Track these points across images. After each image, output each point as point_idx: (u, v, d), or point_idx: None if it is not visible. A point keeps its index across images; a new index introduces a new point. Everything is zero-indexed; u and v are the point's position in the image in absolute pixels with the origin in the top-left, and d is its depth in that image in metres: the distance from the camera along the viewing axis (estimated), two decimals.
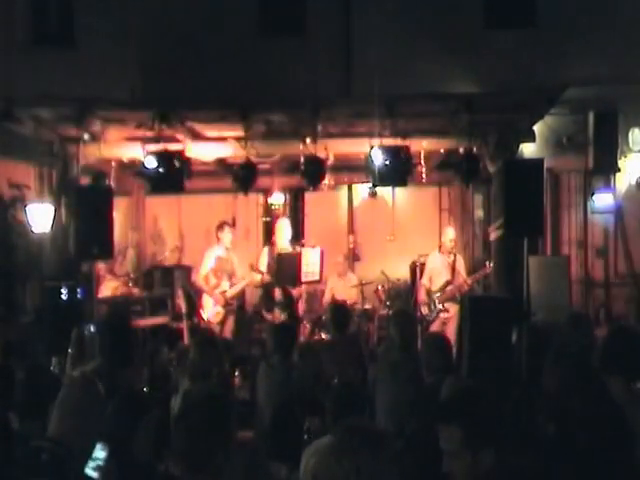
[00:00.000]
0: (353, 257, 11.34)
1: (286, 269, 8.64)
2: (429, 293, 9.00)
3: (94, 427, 3.28)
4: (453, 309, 8.82)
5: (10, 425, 3.90)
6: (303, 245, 9.41)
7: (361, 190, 11.48)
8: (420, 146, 8.20)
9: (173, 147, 7.70)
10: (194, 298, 8.93)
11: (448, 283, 8.93)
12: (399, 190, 10.78)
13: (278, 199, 10.98)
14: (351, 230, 11.60)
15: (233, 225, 9.63)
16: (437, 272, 9.04)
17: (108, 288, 9.23)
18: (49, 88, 9.28)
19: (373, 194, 11.32)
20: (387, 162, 7.57)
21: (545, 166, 7.62)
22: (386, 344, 6.65)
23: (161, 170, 7.52)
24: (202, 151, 8.49)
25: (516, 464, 2.80)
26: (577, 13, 10.03)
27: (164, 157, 7.52)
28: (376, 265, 10.21)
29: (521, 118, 8.10)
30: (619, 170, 9.86)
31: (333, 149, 8.20)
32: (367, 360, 6.64)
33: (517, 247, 7.53)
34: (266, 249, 9.29)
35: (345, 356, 6.22)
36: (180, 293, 8.74)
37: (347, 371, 5.85)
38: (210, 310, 8.88)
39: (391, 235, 10.70)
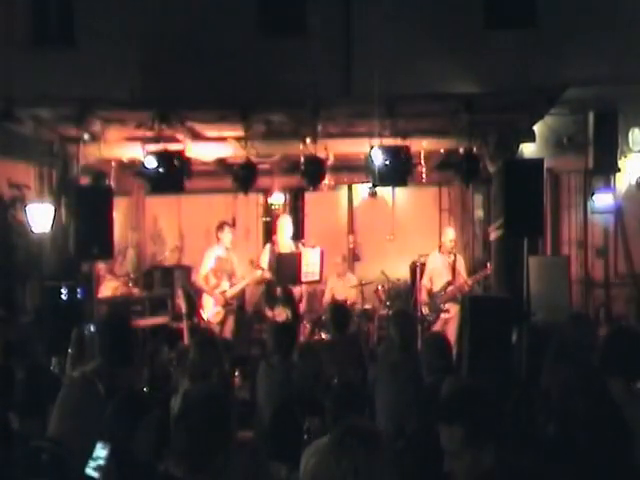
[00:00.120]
0: (353, 257, 11.35)
1: (286, 269, 8.64)
2: (430, 293, 9.02)
3: (94, 427, 3.28)
4: (454, 309, 8.83)
5: (10, 425, 3.91)
6: (303, 245, 9.41)
7: (361, 190, 11.48)
8: (420, 146, 8.20)
9: (173, 147, 7.70)
10: (194, 298, 8.93)
11: (449, 283, 8.94)
12: (399, 190, 10.78)
13: (278, 199, 10.98)
14: (351, 230, 11.60)
15: (233, 225, 9.63)
16: (437, 272, 9.04)
17: (108, 288, 9.23)
18: (49, 88, 9.29)
19: (373, 194, 11.32)
20: (387, 162, 7.57)
21: (545, 166, 7.61)
22: (386, 344, 6.65)
23: (161, 170, 7.52)
24: (202, 151, 8.49)
25: (516, 464, 2.80)
26: (577, 13, 10.03)
27: (164, 157, 7.52)
28: (376, 265, 10.21)
29: (521, 118, 8.10)
30: (619, 170, 9.86)
31: (333, 149, 8.20)
32: (367, 360, 6.64)
33: (517, 247, 7.52)
34: (268, 247, 9.28)
35: (345, 356, 6.22)
36: (180, 293, 8.74)
37: (347, 371, 5.84)
38: (210, 310, 8.88)
39: (391, 235, 10.70)
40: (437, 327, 8.83)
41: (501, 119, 8.03)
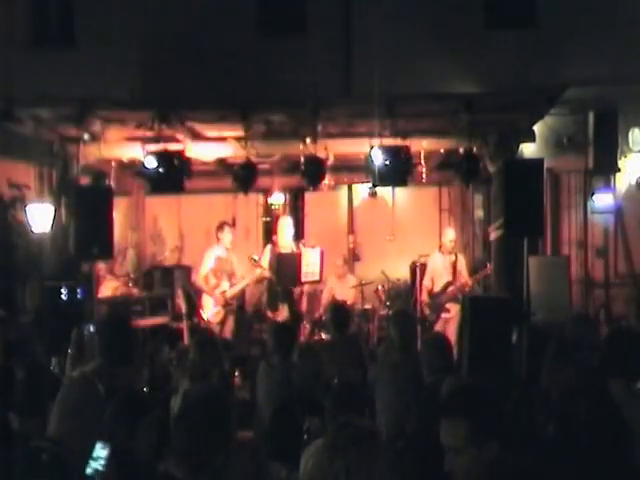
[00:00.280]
0: (353, 257, 11.35)
1: (286, 269, 8.64)
2: (430, 294, 9.03)
3: (93, 427, 3.28)
4: (454, 309, 8.84)
5: (10, 425, 3.91)
6: (303, 245, 9.41)
7: (361, 190, 11.48)
8: (420, 146, 8.20)
9: (173, 147, 7.70)
10: (194, 298, 8.93)
11: (449, 284, 8.96)
12: (399, 190, 10.78)
13: (278, 199, 10.98)
14: (351, 230, 11.60)
15: (233, 225, 9.63)
16: (438, 273, 9.07)
17: (108, 288, 9.23)
18: (49, 88, 9.29)
19: (373, 194, 11.32)
20: (387, 162, 7.58)
21: (545, 166, 7.61)
22: (386, 344, 6.65)
23: (161, 170, 7.52)
24: (202, 151, 8.49)
25: (516, 464, 2.80)
26: (577, 13, 10.03)
27: (164, 157, 7.52)
28: (376, 265, 10.21)
29: (521, 118, 8.10)
30: (619, 170, 9.86)
31: (333, 149, 8.20)
32: (367, 360, 6.64)
33: (517, 247, 7.52)
34: (269, 247, 9.28)
35: (345, 356, 6.22)
36: (180, 293, 8.74)
37: (347, 371, 5.84)
38: (210, 310, 8.87)
39: (391, 235, 10.70)
40: (438, 327, 8.85)
41: (501, 119, 8.03)
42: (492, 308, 6.79)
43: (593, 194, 10.11)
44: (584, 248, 10.15)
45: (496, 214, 8.29)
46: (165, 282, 10.07)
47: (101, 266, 9.07)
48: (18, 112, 7.54)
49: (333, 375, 5.42)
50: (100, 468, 3.06)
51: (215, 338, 5.85)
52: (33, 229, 8.56)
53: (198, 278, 8.97)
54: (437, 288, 9.04)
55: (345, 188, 11.45)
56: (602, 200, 10.06)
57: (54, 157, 8.58)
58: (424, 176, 8.91)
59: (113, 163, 8.72)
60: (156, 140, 7.57)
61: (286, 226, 9.23)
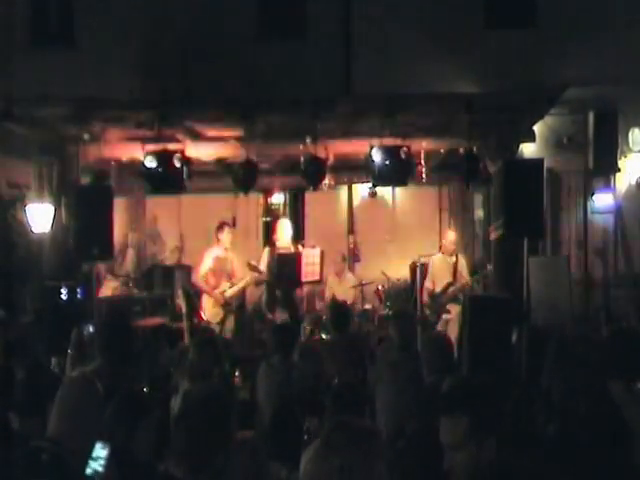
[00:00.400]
0: (353, 257, 11.35)
1: (286, 269, 8.64)
2: (432, 295, 9.07)
3: (93, 427, 3.28)
4: (455, 310, 8.86)
5: (10, 425, 3.90)
6: (303, 245, 9.42)
7: (361, 190, 11.48)
8: (420, 146, 8.21)
9: (173, 147, 7.70)
10: (194, 298, 8.93)
11: (450, 285, 8.99)
12: (399, 190, 10.79)
13: (278, 199, 10.98)
14: (351, 230, 11.60)
15: (233, 225, 9.63)
16: (439, 274, 9.10)
17: (108, 288, 9.23)
18: (49, 88, 9.28)
19: (373, 194, 11.33)
20: (387, 162, 7.58)
21: (545, 166, 7.61)
22: (386, 344, 6.66)
23: (161, 170, 7.52)
24: (202, 151, 8.49)
25: (516, 464, 2.79)
26: (577, 13, 10.02)
27: (164, 157, 7.52)
28: (376, 265, 10.21)
29: (521, 118, 8.11)
30: (619, 170, 9.86)
31: (333, 149, 8.20)
32: (367, 360, 6.64)
33: (517, 247, 7.52)
34: (267, 250, 9.29)
35: (345, 356, 6.22)
36: (180, 293, 8.74)
37: (347, 371, 5.84)
38: (210, 310, 8.88)
39: (391, 235, 10.70)
40: (439, 328, 8.87)
41: (501, 119, 8.03)
42: (492, 308, 6.79)
43: (593, 194, 10.10)
44: (584, 248, 10.15)
45: (496, 214, 8.29)
46: (165, 282, 10.07)
47: (101, 266, 9.07)
48: (18, 112, 7.54)
49: (333, 375, 5.42)
50: (100, 468, 3.06)
51: (215, 338, 5.85)
52: (33, 229, 8.56)
53: (198, 278, 8.98)
54: (438, 289, 9.06)
55: (345, 188, 11.45)
56: (602, 200, 10.06)
57: (54, 157, 8.58)
58: (424, 176, 8.91)
59: (113, 163, 8.72)
60: (156, 140, 7.57)
61: (284, 227, 9.24)
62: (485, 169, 8.39)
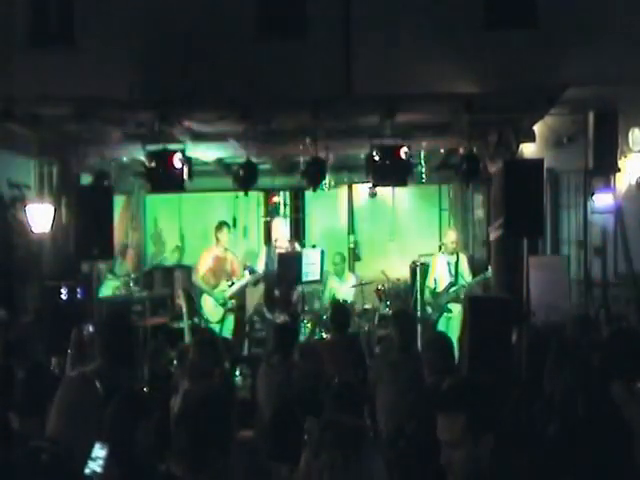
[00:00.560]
0: (353, 257, 11.35)
1: (287, 269, 8.65)
2: (433, 294, 9.11)
3: (91, 427, 3.28)
4: (456, 309, 8.89)
5: (10, 425, 3.90)
6: (303, 245, 9.43)
7: (361, 190, 11.48)
8: (420, 146, 8.20)
9: (173, 147, 7.70)
10: (194, 298, 8.94)
11: (452, 284, 9.03)
12: (399, 190, 10.77)
13: (278, 199, 10.99)
14: (351, 230, 11.60)
15: (233, 225, 9.64)
16: (440, 273, 9.15)
17: (108, 288, 9.23)
18: (49, 88, 9.27)
19: (373, 194, 11.33)
20: (387, 162, 7.58)
21: (545, 166, 7.60)
22: (386, 344, 6.66)
23: (161, 170, 7.52)
24: (202, 151, 8.49)
25: (516, 464, 2.80)
26: (577, 13, 10.02)
27: (164, 157, 7.52)
28: (376, 265, 10.20)
29: (521, 118, 8.10)
30: (619, 170, 9.84)
31: (333, 149, 8.20)
32: (367, 360, 6.64)
33: (517, 247, 7.52)
34: (264, 250, 9.31)
35: (345, 356, 6.23)
36: (180, 293, 8.75)
37: (347, 371, 5.85)
38: (209, 310, 8.88)
39: (391, 235, 10.70)
40: (440, 326, 8.91)
41: (501, 119, 8.03)
42: (492, 308, 6.79)
43: (593, 194, 10.09)
44: (584, 248, 10.14)
45: (496, 214, 8.30)
46: (165, 282, 10.07)
47: (101, 266, 9.08)
48: (18, 112, 7.53)
49: (333, 375, 5.42)
50: (98, 469, 3.07)
51: (215, 338, 5.85)
52: (33, 229, 8.56)
53: (197, 278, 8.99)
54: (439, 288, 9.11)
55: (345, 188, 11.45)
56: (602, 200, 10.05)
57: (54, 157, 8.58)
58: (424, 176, 8.91)
59: (113, 163, 8.71)
60: (156, 140, 7.56)
61: (279, 227, 9.26)
62: (485, 169, 8.40)
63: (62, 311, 7.31)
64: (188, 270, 9.97)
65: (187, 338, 8.04)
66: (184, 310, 8.47)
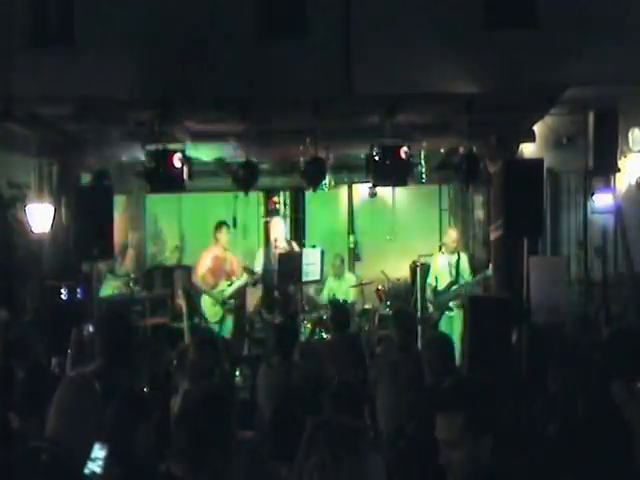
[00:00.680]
0: (353, 257, 11.35)
1: (287, 268, 8.65)
2: (435, 293, 9.13)
3: (90, 427, 3.28)
4: (458, 308, 8.91)
5: (10, 425, 3.90)
6: (303, 245, 9.43)
7: (361, 190, 11.48)
8: (420, 146, 8.20)
9: (173, 147, 7.70)
10: (194, 298, 8.94)
11: (453, 283, 9.05)
12: (399, 190, 10.78)
13: (278, 199, 10.99)
14: (351, 230, 11.60)
15: (234, 225, 9.64)
16: (441, 273, 9.16)
17: (108, 288, 9.23)
18: (49, 88, 9.27)
19: (373, 194, 11.33)
20: (387, 162, 7.58)
21: (545, 166, 7.59)
22: (386, 344, 6.67)
23: (161, 170, 7.52)
24: (202, 151, 8.49)
25: (516, 464, 2.80)
26: (577, 13, 10.01)
27: (164, 157, 7.52)
28: (376, 265, 10.20)
29: (521, 118, 8.10)
30: (619, 170, 9.85)
31: (333, 149, 8.20)
32: (367, 360, 6.64)
33: (517, 247, 7.52)
34: (261, 250, 9.33)
35: (345, 356, 6.23)
36: (180, 293, 8.75)
37: (347, 371, 5.85)
38: (208, 310, 8.88)
39: (391, 235, 10.70)
40: (442, 326, 8.93)
41: (501, 119, 8.03)
42: (492, 308, 6.80)
43: (593, 194, 10.09)
44: (584, 248, 10.14)
45: (496, 214, 8.30)
46: (165, 282, 10.07)
47: (101, 266, 9.08)
48: (18, 112, 7.53)
49: (333, 375, 5.42)
50: (98, 469, 3.07)
51: (215, 338, 5.85)
52: (33, 229, 8.56)
53: (196, 278, 8.99)
54: (440, 287, 9.14)
55: (345, 188, 11.45)
56: (602, 200, 10.05)
57: (54, 157, 8.57)
58: (424, 176, 8.91)
59: (113, 163, 8.71)
60: (156, 140, 7.57)
61: (277, 227, 9.27)
62: (485, 169, 8.40)
63: (62, 311, 7.30)
64: (188, 270, 9.98)
65: (187, 338, 8.04)
66: (184, 310, 8.47)
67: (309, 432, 2.38)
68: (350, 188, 11.48)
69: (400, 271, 10.31)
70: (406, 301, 9.69)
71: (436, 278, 9.25)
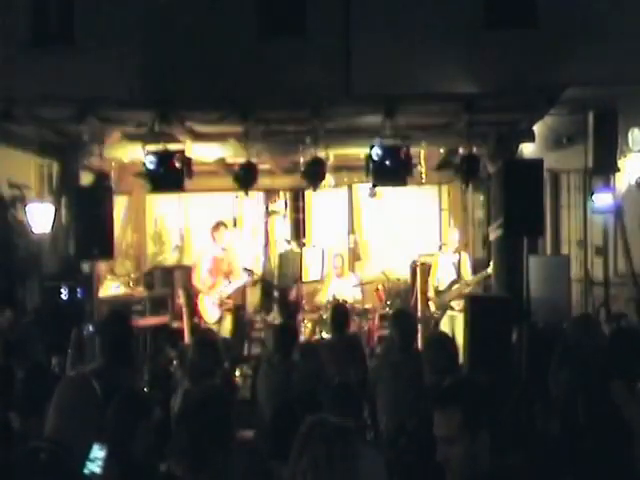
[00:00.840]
0: (353, 257, 11.36)
1: (288, 268, 8.66)
2: (437, 292, 9.14)
3: (89, 427, 3.28)
4: (460, 307, 8.92)
5: (10, 425, 3.91)
6: (304, 245, 9.43)
7: (361, 190, 11.48)
8: (420, 146, 8.21)
9: (173, 147, 7.70)
10: (194, 298, 8.95)
11: (454, 282, 9.06)
12: (399, 190, 10.77)
13: (278, 197, 11.00)
14: (351, 230, 11.60)
15: (235, 225, 9.65)
16: (443, 273, 9.17)
17: (108, 288, 9.23)
18: (49, 88, 9.27)
19: (373, 194, 11.33)
20: (387, 162, 7.58)
21: (545, 166, 7.60)
22: (386, 344, 6.66)
23: (161, 170, 7.52)
24: (202, 151, 8.50)
25: (515, 464, 2.80)
26: (577, 13, 10.02)
27: (164, 157, 7.53)
28: (376, 265, 10.20)
29: (521, 118, 8.10)
30: (619, 170, 9.84)
31: (333, 149, 8.20)
32: (367, 360, 6.64)
33: (517, 247, 7.53)
34: (262, 250, 9.33)
35: (345, 356, 6.23)
36: (180, 293, 8.75)
37: (347, 371, 5.85)
38: (207, 309, 8.89)
39: (391, 235, 10.70)
40: (444, 325, 8.94)
41: (501, 119, 8.03)
42: (492, 308, 6.81)
43: (593, 194, 10.09)
44: (584, 248, 10.14)
45: (496, 214, 8.30)
46: (165, 282, 10.08)
47: (101, 266, 9.08)
48: (18, 112, 7.54)
49: (333, 375, 5.42)
50: (97, 469, 3.07)
51: (215, 338, 5.86)
52: (33, 229, 8.56)
53: (194, 278, 9.00)
54: (442, 286, 9.15)
55: (345, 188, 11.45)
56: (602, 200, 10.04)
57: (54, 157, 8.57)
58: (424, 176, 8.92)
59: (113, 163, 8.71)
60: (156, 140, 7.57)
61: (278, 227, 9.28)
62: (485, 169, 8.40)
63: (62, 311, 7.31)
64: (188, 270, 9.99)
65: (187, 338, 8.04)
66: (184, 310, 8.47)
67: (303, 432, 2.38)
68: (350, 188, 11.48)
69: (400, 271, 10.31)
70: (406, 301, 9.69)
71: (437, 278, 9.26)
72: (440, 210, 11.42)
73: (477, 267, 9.67)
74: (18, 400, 4.19)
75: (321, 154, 7.88)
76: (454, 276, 9.13)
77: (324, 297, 9.70)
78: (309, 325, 8.99)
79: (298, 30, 10.58)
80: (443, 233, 10.93)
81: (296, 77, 9.79)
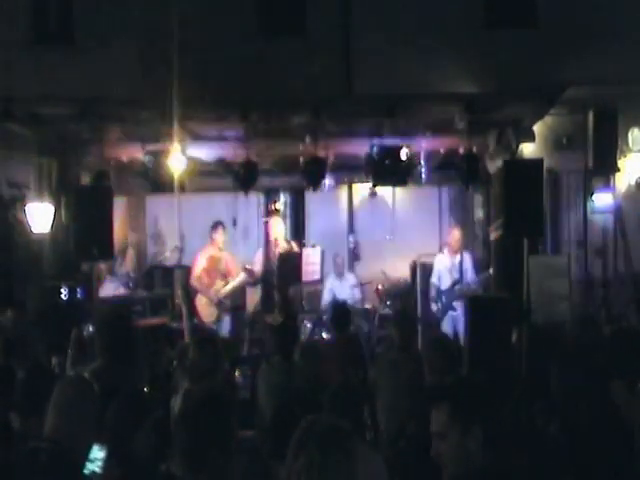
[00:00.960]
0: (353, 257, 11.36)
1: (287, 268, 8.65)
2: (438, 292, 9.15)
3: (89, 426, 3.28)
4: (461, 308, 8.94)
5: (10, 425, 3.91)
6: (304, 245, 9.42)
7: (361, 190, 11.48)
8: (420, 146, 8.21)
9: (173, 147, 7.70)
10: (193, 298, 8.95)
11: (456, 282, 9.06)
12: (399, 190, 10.78)
13: (278, 199, 10.99)
14: (351, 230, 11.60)
15: (233, 225, 9.64)
16: (444, 273, 9.17)
17: (108, 288, 9.23)
18: (49, 88, 9.27)
19: (373, 194, 11.33)
20: (387, 162, 7.59)
21: (545, 166, 7.59)
22: (386, 344, 6.67)
23: (162, 170, 7.53)
24: (202, 151, 8.50)
25: (515, 464, 2.79)
26: (577, 13, 10.02)
27: (164, 157, 7.53)
28: (376, 265, 10.20)
29: (521, 118, 8.11)
30: (619, 170, 9.84)
31: (333, 149, 8.21)
32: (367, 360, 6.64)
33: (517, 247, 7.52)
34: (261, 250, 9.33)
35: (345, 356, 6.23)
36: (180, 293, 8.75)
37: (347, 371, 5.85)
38: (204, 309, 8.89)
39: (391, 235, 10.71)
40: (446, 325, 8.95)
41: (501, 119, 8.03)
42: (492, 308, 6.79)
43: (592, 194, 10.09)
44: (584, 248, 10.14)
45: (496, 214, 8.30)
46: (165, 282, 10.08)
47: (101, 266, 9.08)
48: (18, 112, 7.53)
49: (333, 375, 5.42)
50: (97, 470, 3.07)
51: (215, 338, 5.85)
52: (33, 229, 8.56)
53: (192, 278, 9.00)
54: (444, 287, 9.15)
55: (345, 188, 11.45)
56: (602, 200, 10.04)
57: (54, 157, 8.57)
58: (424, 176, 8.92)
59: (113, 163, 8.72)
60: (156, 140, 7.57)
61: (277, 227, 9.28)
62: (485, 169, 8.40)
63: (62, 311, 7.30)
64: (188, 270, 9.98)
65: (187, 338, 8.04)
66: (184, 310, 8.47)
67: (299, 432, 2.38)
68: (350, 188, 11.48)
69: (400, 271, 10.31)
70: (406, 301, 9.69)
71: (439, 278, 9.26)
72: (440, 210, 11.42)
73: (477, 267, 9.68)
74: (18, 400, 4.19)
75: (321, 154, 7.89)
76: (455, 276, 9.12)
77: (324, 298, 9.71)
78: (309, 325, 8.99)
79: (298, 30, 10.57)
80: (443, 233, 10.93)
81: (296, 77, 9.79)
